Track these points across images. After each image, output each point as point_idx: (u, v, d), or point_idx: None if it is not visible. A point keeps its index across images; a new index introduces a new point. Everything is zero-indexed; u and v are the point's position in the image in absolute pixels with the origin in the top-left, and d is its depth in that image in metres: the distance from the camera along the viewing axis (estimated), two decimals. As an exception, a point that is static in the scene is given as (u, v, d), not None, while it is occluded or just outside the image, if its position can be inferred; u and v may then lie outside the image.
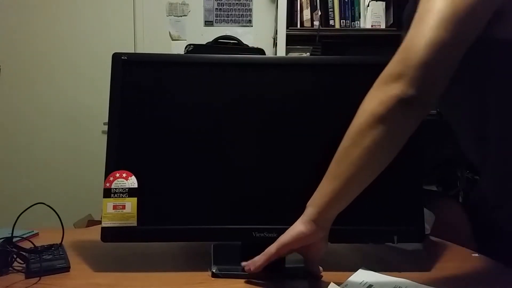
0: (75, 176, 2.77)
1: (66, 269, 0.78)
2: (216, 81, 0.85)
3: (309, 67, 0.88)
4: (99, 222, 0.81)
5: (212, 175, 0.82)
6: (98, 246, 0.83)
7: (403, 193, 0.82)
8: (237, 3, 2.72)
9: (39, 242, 0.84)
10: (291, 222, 0.81)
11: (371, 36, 2.41)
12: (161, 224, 0.81)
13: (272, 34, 2.63)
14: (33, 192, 2.71)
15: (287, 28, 2.36)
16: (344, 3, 2.39)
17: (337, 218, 0.81)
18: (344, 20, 2.39)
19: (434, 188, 2.22)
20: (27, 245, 0.81)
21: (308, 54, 2.38)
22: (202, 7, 2.73)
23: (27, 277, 0.75)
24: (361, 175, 0.70)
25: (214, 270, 0.77)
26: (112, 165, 0.81)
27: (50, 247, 0.83)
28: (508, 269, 0.81)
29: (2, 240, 0.77)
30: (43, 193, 2.69)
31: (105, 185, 0.80)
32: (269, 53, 2.51)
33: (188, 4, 2.73)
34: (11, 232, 0.79)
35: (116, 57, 0.84)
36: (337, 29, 2.38)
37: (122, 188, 0.80)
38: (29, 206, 0.79)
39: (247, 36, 2.66)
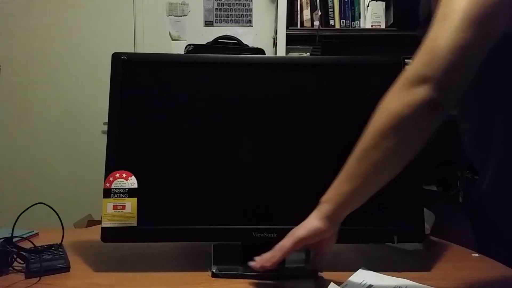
0: (75, 176, 2.77)
1: (66, 269, 0.78)
2: (216, 81, 0.85)
3: (309, 67, 0.88)
4: (99, 222, 0.81)
5: (212, 175, 0.82)
6: (98, 246, 0.83)
7: (403, 193, 0.82)
8: (237, 3, 2.72)
9: (39, 242, 0.84)
10: (291, 222, 0.81)
11: (371, 36, 2.40)
12: (161, 224, 0.81)
13: (272, 34, 2.63)
14: (33, 192, 2.71)
15: (287, 28, 2.36)
16: (344, 3, 2.39)
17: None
18: (344, 20, 2.39)
19: (434, 188, 2.22)
20: (27, 245, 0.81)
21: (308, 54, 2.38)
22: (202, 7, 2.73)
23: (27, 277, 0.75)
24: (382, 176, 0.70)
25: (214, 270, 0.77)
26: (112, 165, 0.81)
27: (50, 247, 0.83)
28: (508, 269, 0.81)
29: (2, 240, 0.77)
30: (43, 193, 2.69)
31: (105, 185, 0.80)
32: (269, 53, 2.50)
33: (188, 4, 2.73)
34: (11, 232, 0.79)
35: (116, 57, 0.84)
36: (337, 29, 2.38)
37: (122, 188, 0.80)
38: (29, 206, 0.79)
39: (247, 36, 2.66)
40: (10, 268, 0.76)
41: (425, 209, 0.84)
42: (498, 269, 0.82)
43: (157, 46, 2.72)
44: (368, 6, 2.38)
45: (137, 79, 0.84)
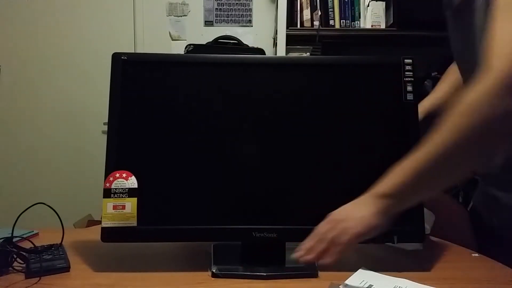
0: (75, 176, 2.77)
1: (66, 269, 0.78)
2: (216, 81, 0.85)
3: (309, 67, 0.88)
4: (99, 222, 0.81)
5: (212, 175, 0.82)
6: (98, 246, 0.83)
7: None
8: (237, 3, 2.72)
9: (39, 242, 0.84)
10: (291, 222, 0.82)
11: (371, 36, 2.40)
12: (161, 224, 0.81)
13: (272, 34, 2.63)
14: (33, 192, 2.71)
15: (287, 28, 2.36)
16: (344, 3, 2.39)
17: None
18: (344, 20, 2.39)
19: (434, 188, 2.22)
20: (27, 245, 0.81)
21: (308, 54, 2.38)
22: (202, 7, 2.73)
23: (27, 277, 0.75)
24: (456, 177, 0.70)
25: (214, 270, 0.77)
26: (112, 165, 0.81)
27: (50, 247, 0.83)
28: (508, 269, 0.81)
29: (2, 240, 0.77)
30: (43, 193, 2.68)
31: (105, 185, 0.80)
32: (269, 53, 2.50)
33: (188, 4, 2.73)
34: (11, 232, 0.79)
35: (116, 57, 0.84)
36: (337, 29, 2.38)
37: (122, 188, 0.80)
38: (29, 206, 0.79)
39: (247, 36, 2.66)
40: (10, 268, 0.76)
41: (425, 209, 0.84)
42: (498, 269, 0.82)
43: (157, 46, 2.72)
44: (368, 6, 2.38)
45: (137, 79, 0.84)
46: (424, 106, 1.03)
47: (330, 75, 0.86)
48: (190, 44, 2.24)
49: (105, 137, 0.82)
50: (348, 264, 0.82)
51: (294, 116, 0.85)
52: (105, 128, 0.84)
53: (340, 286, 0.73)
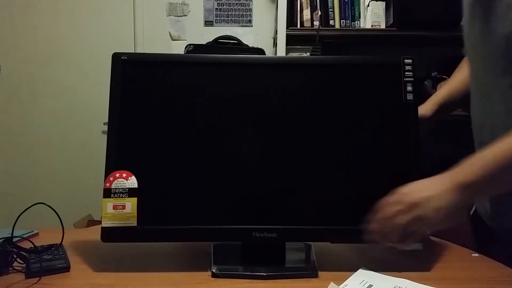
0: (75, 176, 2.77)
1: (66, 269, 0.78)
2: (216, 81, 0.85)
3: (309, 67, 0.88)
4: (99, 222, 0.81)
5: (212, 175, 0.82)
6: (98, 246, 0.83)
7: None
8: (237, 3, 2.72)
9: (39, 242, 0.84)
10: (291, 222, 0.82)
11: (371, 36, 2.40)
12: (161, 224, 0.81)
13: (272, 34, 2.63)
14: (33, 192, 2.71)
15: (287, 28, 2.35)
16: (344, 3, 2.39)
17: (337, 218, 0.81)
18: (344, 20, 2.39)
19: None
20: (27, 245, 0.81)
21: (308, 54, 2.38)
22: (202, 7, 2.73)
23: (27, 277, 0.75)
24: None
25: (214, 270, 0.77)
26: (112, 165, 0.81)
27: (50, 247, 0.83)
28: (508, 269, 0.81)
29: (2, 240, 0.77)
30: (43, 193, 2.68)
31: (105, 185, 0.80)
32: (269, 53, 2.50)
33: (188, 4, 2.73)
34: (11, 232, 0.79)
35: (116, 57, 0.84)
36: (337, 29, 2.38)
37: (122, 188, 0.80)
38: (29, 206, 0.79)
39: (247, 36, 2.66)
40: (10, 268, 0.76)
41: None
42: (498, 269, 0.82)
43: (157, 46, 2.72)
44: (368, 6, 2.38)
45: (137, 79, 0.84)
46: (438, 96, 1.02)
47: (330, 75, 0.86)
48: (190, 44, 2.24)
49: (105, 137, 0.82)
50: (348, 264, 0.82)
51: (294, 116, 0.85)
52: (105, 128, 0.84)
53: (340, 286, 0.73)
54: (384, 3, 2.36)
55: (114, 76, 0.83)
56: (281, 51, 2.36)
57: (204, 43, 2.34)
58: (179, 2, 2.73)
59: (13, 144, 2.77)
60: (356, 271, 0.79)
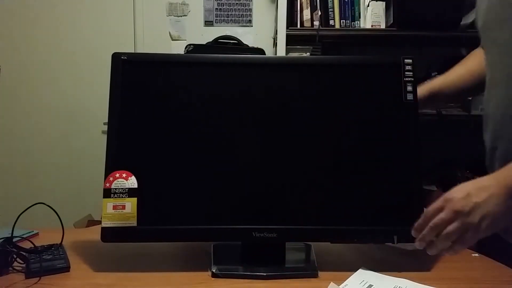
0: (75, 176, 2.77)
1: (66, 269, 0.78)
2: (216, 81, 0.85)
3: (309, 67, 0.88)
4: (99, 222, 0.81)
5: (212, 175, 0.82)
6: (98, 246, 0.83)
7: (403, 193, 0.82)
8: (237, 3, 2.72)
9: (39, 242, 0.84)
10: (291, 222, 0.82)
11: (371, 36, 2.40)
12: (161, 224, 0.81)
13: (272, 34, 2.63)
14: (33, 192, 2.71)
15: (287, 28, 2.36)
16: (344, 3, 2.39)
17: (337, 218, 0.81)
18: (344, 20, 2.39)
19: (434, 188, 2.22)
20: (27, 245, 0.81)
21: (308, 54, 2.38)
22: (202, 7, 2.73)
23: (27, 277, 0.75)
24: None
25: (214, 270, 0.77)
26: (112, 165, 0.81)
27: (50, 247, 0.83)
28: (508, 269, 0.81)
29: (2, 240, 0.77)
30: (43, 193, 2.69)
31: (105, 185, 0.80)
32: (269, 53, 2.50)
33: (188, 4, 2.73)
34: (11, 232, 0.79)
35: (116, 57, 0.84)
36: (337, 29, 2.38)
37: (122, 188, 0.80)
38: (29, 206, 0.79)
39: (247, 36, 2.66)
40: (10, 268, 0.76)
41: (425, 209, 0.84)
42: (498, 269, 0.82)
43: (157, 46, 2.72)
44: (368, 6, 2.38)
45: (137, 79, 0.84)
46: (433, 84, 1.01)
47: (330, 75, 0.86)
48: (190, 44, 2.24)
49: (105, 137, 0.82)
50: (348, 264, 0.82)
51: (294, 116, 0.85)
52: (105, 128, 0.84)
53: (340, 286, 0.73)
54: (384, 3, 2.37)
55: (114, 76, 0.83)
56: (281, 51, 2.36)
57: (204, 43, 2.34)
58: (179, 2, 2.73)
59: (13, 144, 2.77)
60: (356, 271, 0.79)
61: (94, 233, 0.85)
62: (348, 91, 0.86)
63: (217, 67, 0.86)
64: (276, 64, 0.89)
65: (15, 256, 0.76)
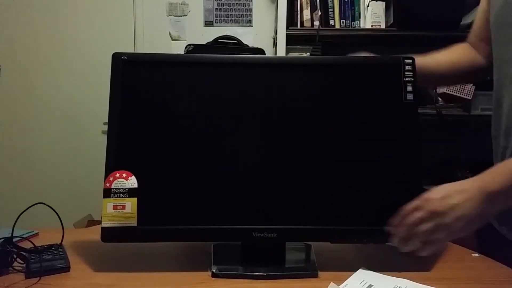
0: (75, 176, 2.77)
1: (66, 269, 0.78)
2: (216, 81, 0.85)
3: (309, 67, 0.88)
4: (99, 222, 0.81)
5: (212, 175, 0.82)
6: (98, 246, 0.83)
7: (403, 193, 0.82)
8: (237, 3, 2.72)
9: (39, 242, 0.84)
10: (291, 222, 0.82)
11: (371, 36, 2.40)
12: (161, 224, 0.81)
13: (272, 34, 2.63)
14: (33, 192, 2.71)
15: (287, 28, 2.36)
16: (344, 3, 2.39)
17: (337, 218, 0.81)
18: (344, 20, 2.39)
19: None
20: (27, 245, 0.81)
21: (308, 54, 2.38)
22: (202, 7, 2.73)
23: (27, 277, 0.75)
24: None
25: (214, 270, 0.77)
26: (112, 165, 0.81)
27: (50, 247, 0.83)
28: (509, 269, 0.81)
29: (2, 240, 0.77)
30: (43, 193, 2.69)
31: (105, 185, 0.80)
32: (269, 53, 2.50)
33: (188, 4, 2.73)
34: (11, 232, 0.79)
35: (116, 57, 0.84)
36: (337, 29, 2.38)
37: (122, 188, 0.80)
38: (29, 206, 0.79)
39: (247, 36, 2.66)
40: (10, 268, 0.76)
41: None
42: (498, 269, 0.82)
43: (157, 46, 2.72)
44: (368, 6, 2.38)
45: (137, 79, 0.84)
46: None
47: (330, 75, 0.86)
48: (190, 44, 2.24)
49: (105, 137, 0.82)
50: (348, 264, 0.82)
51: (294, 116, 0.85)
52: (105, 128, 0.84)
53: (340, 286, 0.73)
54: (384, 3, 2.37)
55: (114, 76, 0.83)
56: (281, 51, 2.37)
57: (204, 43, 2.34)
58: (179, 2, 2.73)
59: (13, 144, 2.77)
60: (356, 271, 0.79)
61: (94, 233, 0.85)
62: (348, 91, 0.86)
63: (217, 67, 0.86)
64: (276, 64, 0.89)
65: (15, 256, 0.76)
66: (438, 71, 1.00)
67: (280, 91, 0.85)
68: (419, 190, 0.83)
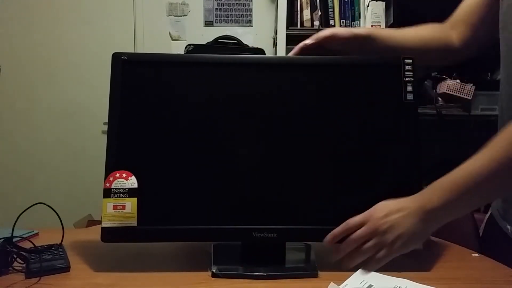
0: (75, 176, 2.77)
1: (66, 269, 0.78)
2: (216, 81, 0.85)
3: (309, 67, 0.88)
4: (99, 222, 0.81)
5: (212, 175, 0.82)
6: (98, 246, 0.83)
7: (403, 193, 0.82)
8: (237, 3, 2.72)
9: (39, 242, 0.84)
10: (291, 222, 0.82)
11: (371, 36, 2.40)
12: (161, 224, 0.81)
13: (272, 34, 2.63)
14: (33, 192, 2.71)
15: (287, 28, 2.36)
16: (344, 3, 2.39)
17: (337, 218, 0.81)
18: (344, 20, 2.39)
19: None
20: (27, 245, 0.81)
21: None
22: (202, 7, 2.73)
23: (27, 277, 0.75)
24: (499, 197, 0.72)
25: (214, 270, 0.77)
26: (112, 165, 0.81)
27: (50, 247, 0.83)
28: (509, 269, 0.81)
29: (2, 240, 0.77)
30: (43, 193, 2.69)
31: (105, 185, 0.80)
32: (269, 53, 2.50)
33: (188, 4, 2.73)
34: (11, 232, 0.79)
35: (116, 57, 0.84)
36: (337, 29, 2.38)
37: (122, 188, 0.80)
38: (29, 206, 0.79)
39: (247, 36, 2.66)
40: (10, 268, 0.76)
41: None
42: (498, 269, 0.82)
43: (157, 46, 2.72)
44: (368, 6, 2.38)
45: (137, 79, 0.84)
46: (376, 30, 0.99)
47: (330, 75, 0.86)
48: (190, 44, 2.24)
49: (105, 137, 0.82)
50: (348, 264, 0.82)
51: (294, 116, 0.85)
52: (105, 128, 0.84)
53: (340, 286, 0.73)
54: (384, 3, 2.37)
55: (114, 76, 0.83)
56: (281, 51, 2.37)
57: (204, 43, 2.35)
58: (179, 2, 2.73)
59: (13, 144, 2.77)
60: (356, 271, 0.78)
61: (94, 233, 0.85)
62: (348, 91, 0.86)
63: (217, 67, 0.86)
64: (276, 64, 0.89)
65: (15, 256, 0.76)
66: (404, 44, 0.97)
67: (280, 91, 0.85)
68: (419, 190, 0.83)
